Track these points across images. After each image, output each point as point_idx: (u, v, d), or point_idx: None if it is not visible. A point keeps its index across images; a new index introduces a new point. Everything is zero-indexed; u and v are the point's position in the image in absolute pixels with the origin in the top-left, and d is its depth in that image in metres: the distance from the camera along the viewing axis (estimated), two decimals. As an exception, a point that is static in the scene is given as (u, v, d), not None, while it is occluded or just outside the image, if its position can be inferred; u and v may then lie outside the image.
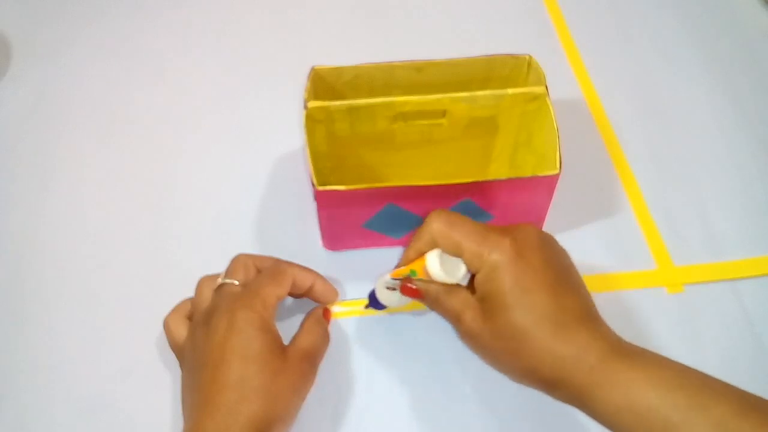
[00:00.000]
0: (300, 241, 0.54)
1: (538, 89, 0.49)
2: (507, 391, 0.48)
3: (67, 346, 0.50)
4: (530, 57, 0.51)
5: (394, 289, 0.47)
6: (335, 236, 0.52)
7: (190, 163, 0.59)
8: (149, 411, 0.48)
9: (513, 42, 0.63)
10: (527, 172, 0.47)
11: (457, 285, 0.44)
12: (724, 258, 0.54)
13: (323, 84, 0.51)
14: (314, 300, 0.50)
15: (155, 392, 0.48)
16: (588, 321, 0.41)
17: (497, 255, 0.41)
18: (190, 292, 0.52)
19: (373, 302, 0.49)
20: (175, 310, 0.48)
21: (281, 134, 0.60)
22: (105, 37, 0.68)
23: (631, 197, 0.57)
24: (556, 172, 0.47)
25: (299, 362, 0.44)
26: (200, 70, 0.65)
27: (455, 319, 0.43)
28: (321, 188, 0.46)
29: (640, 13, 0.70)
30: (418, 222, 0.50)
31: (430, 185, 0.46)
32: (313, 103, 0.48)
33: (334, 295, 0.50)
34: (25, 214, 0.56)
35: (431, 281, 0.44)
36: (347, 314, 0.52)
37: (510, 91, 0.49)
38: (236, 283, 0.46)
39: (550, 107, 0.48)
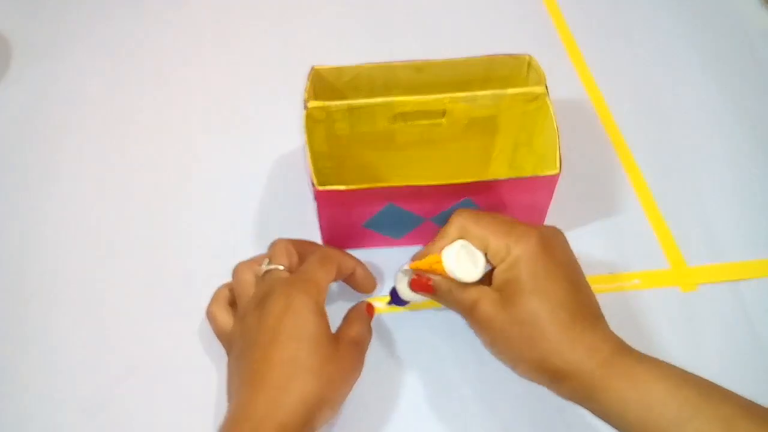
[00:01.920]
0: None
1: (538, 89, 0.49)
2: (506, 392, 0.48)
3: (69, 345, 0.50)
4: (530, 57, 0.51)
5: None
6: (335, 236, 0.53)
7: (191, 164, 0.59)
8: (151, 411, 0.48)
9: (514, 42, 0.63)
10: (527, 172, 0.47)
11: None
12: (728, 258, 0.54)
13: (323, 84, 0.51)
14: (353, 286, 0.51)
15: (158, 392, 0.49)
16: (601, 320, 0.43)
17: (522, 246, 0.42)
18: (191, 292, 0.52)
19: (395, 299, 0.49)
20: (216, 298, 0.48)
21: (282, 134, 0.60)
22: (106, 38, 0.68)
23: (641, 196, 0.57)
24: (556, 172, 0.47)
25: (349, 350, 0.45)
26: (200, 71, 0.66)
27: (469, 309, 0.44)
28: (321, 188, 0.46)
29: (640, 12, 0.70)
30: (418, 222, 0.51)
31: (430, 185, 0.46)
32: (313, 103, 0.48)
33: (372, 283, 0.51)
34: (27, 215, 0.57)
35: (444, 277, 0.44)
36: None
37: (510, 91, 0.49)
38: (281, 268, 0.46)
39: (550, 107, 0.48)
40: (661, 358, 0.49)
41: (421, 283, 0.46)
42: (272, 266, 0.46)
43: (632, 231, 0.56)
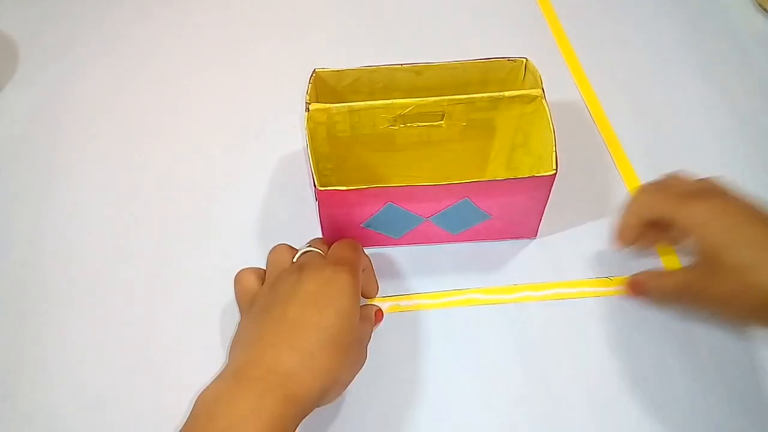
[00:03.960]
0: (302, 240, 0.55)
1: (535, 91, 0.50)
2: (506, 392, 0.49)
3: (72, 344, 0.51)
4: (527, 60, 0.52)
5: None
6: (336, 235, 0.53)
7: (195, 165, 0.60)
8: (154, 409, 0.48)
9: (510, 45, 0.64)
10: (524, 173, 0.48)
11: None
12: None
13: (325, 86, 0.52)
14: None
15: (160, 389, 0.49)
16: None
17: (684, 219, 0.45)
18: (193, 291, 0.53)
19: None
20: (250, 268, 0.49)
21: (283, 136, 0.61)
22: (110, 40, 0.69)
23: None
24: (553, 172, 0.47)
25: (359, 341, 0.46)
26: (204, 73, 0.67)
27: (682, 289, 0.46)
28: (322, 188, 0.47)
29: (634, 15, 0.71)
30: (418, 222, 0.51)
31: (429, 185, 0.47)
32: (314, 106, 0.49)
33: (376, 287, 0.52)
34: (32, 215, 0.57)
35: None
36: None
37: (507, 93, 0.50)
38: (320, 252, 0.48)
39: (547, 109, 0.49)
40: (655, 359, 0.50)
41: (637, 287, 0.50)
42: (311, 249, 0.48)
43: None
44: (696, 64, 0.67)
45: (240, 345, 0.43)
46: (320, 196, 0.48)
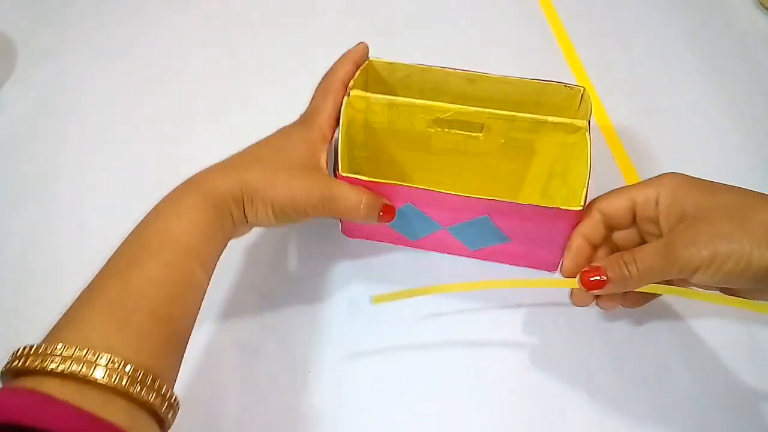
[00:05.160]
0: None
1: (579, 122, 0.48)
2: (505, 391, 0.48)
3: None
4: (584, 89, 0.50)
5: None
6: (353, 224, 0.53)
7: (195, 163, 0.57)
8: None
9: (511, 44, 0.65)
10: (557, 203, 0.46)
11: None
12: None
13: (376, 76, 0.52)
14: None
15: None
16: None
17: (669, 179, 0.44)
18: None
19: None
20: None
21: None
22: (109, 39, 0.69)
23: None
24: (579, 208, 0.45)
25: (321, 185, 0.45)
26: (203, 72, 0.66)
27: (663, 259, 0.40)
28: (344, 174, 0.47)
29: (635, 13, 0.70)
30: (435, 228, 0.51)
31: (448, 194, 0.46)
32: (355, 92, 0.49)
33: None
34: (30, 214, 0.57)
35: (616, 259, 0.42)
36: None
37: (550, 118, 0.48)
38: None
39: (588, 142, 0.47)
40: (655, 359, 0.49)
41: (594, 282, 0.42)
42: None
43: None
44: (698, 63, 0.66)
45: None
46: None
